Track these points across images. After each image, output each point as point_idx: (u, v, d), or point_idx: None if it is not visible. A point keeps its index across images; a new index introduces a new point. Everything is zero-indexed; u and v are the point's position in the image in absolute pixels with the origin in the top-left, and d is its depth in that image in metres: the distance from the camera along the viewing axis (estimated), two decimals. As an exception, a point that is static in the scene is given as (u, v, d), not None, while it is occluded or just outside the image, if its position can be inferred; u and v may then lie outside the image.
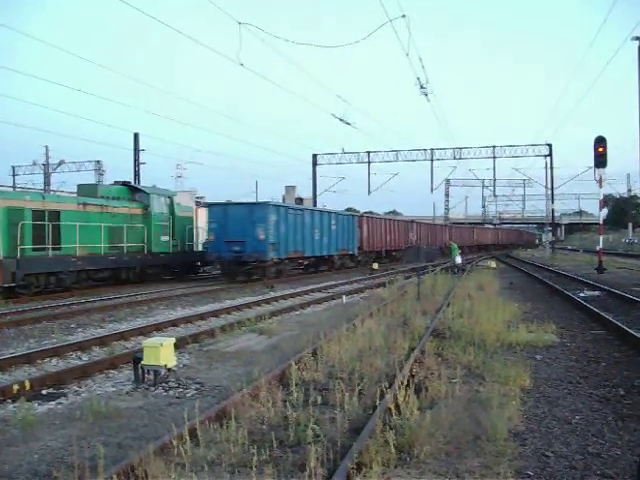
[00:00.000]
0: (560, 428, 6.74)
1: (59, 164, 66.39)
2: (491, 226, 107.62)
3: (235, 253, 28.78)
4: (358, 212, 52.49)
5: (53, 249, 22.80)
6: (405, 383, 7.65)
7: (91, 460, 5.41)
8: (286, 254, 31.70)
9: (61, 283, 22.97)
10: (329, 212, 39.71)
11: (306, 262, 35.77)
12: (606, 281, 25.91)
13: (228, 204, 33.73)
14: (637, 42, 26.38)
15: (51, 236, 22.57)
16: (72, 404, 8.14)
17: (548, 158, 57.52)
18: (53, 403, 8.23)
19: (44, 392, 8.76)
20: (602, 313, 15.00)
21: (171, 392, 8.72)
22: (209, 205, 33.33)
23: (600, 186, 33.10)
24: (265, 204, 31.63)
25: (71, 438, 6.24)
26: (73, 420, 7.30)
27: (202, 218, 40.16)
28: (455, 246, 39.24)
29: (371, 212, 66.09)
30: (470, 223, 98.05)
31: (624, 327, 12.65)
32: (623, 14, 32.64)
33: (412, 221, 59.77)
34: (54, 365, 10.72)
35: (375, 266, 38.16)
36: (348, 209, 67.80)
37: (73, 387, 9.14)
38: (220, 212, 30.29)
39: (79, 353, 11.69)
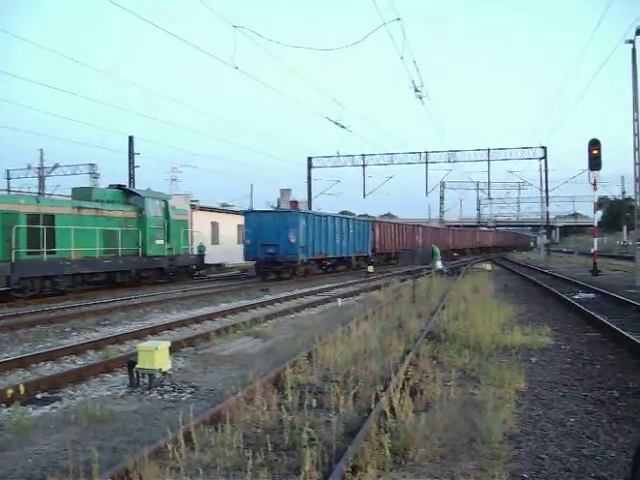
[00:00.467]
0: (555, 430, 6.75)
1: (54, 167, 66.22)
2: (487, 228, 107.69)
3: (269, 255, 32.70)
4: (353, 214, 53.94)
5: (48, 253, 22.78)
6: (400, 386, 7.66)
7: (86, 464, 5.39)
8: (313, 255, 35.64)
9: (56, 287, 22.96)
10: (348, 218, 44.55)
11: (329, 263, 39.32)
12: (601, 283, 25.96)
13: (263, 212, 38.08)
14: (631, 45, 26.45)
15: (46, 240, 22.54)
16: (67, 408, 8.11)
17: (543, 161, 57.69)
18: (48, 407, 8.20)
19: (39, 396, 8.73)
20: (597, 315, 15.02)
21: (166, 396, 8.71)
22: (245, 213, 37.80)
23: (595, 189, 33.21)
24: (296, 212, 36.20)
25: (66, 442, 6.21)
26: (68, 424, 7.27)
27: (197, 221, 40.24)
28: (437, 250, 39.25)
29: (389, 214, 66.28)
30: (465, 226, 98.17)
31: (618, 329, 12.68)
32: (618, 16, 32.77)
33: (418, 225, 63.32)
34: (49, 369, 10.68)
35: (370, 269, 38.24)
36: (343, 212, 68.06)
37: (68, 391, 9.10)
38: (256, 219, 34.34)
39: (74, 357, 11.65)
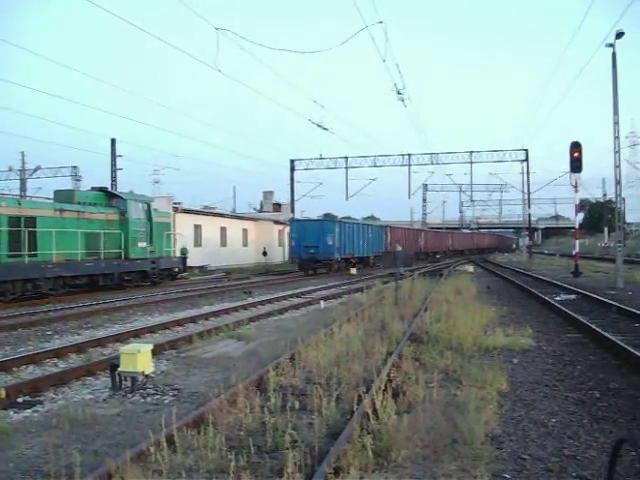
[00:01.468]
0: (536, 431, 6.79)
1: (35, 170, 65.88)
2: (468, 231, 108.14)
3: (311, 254, 41.07)
4: (336, 217, 56.95)
5: (29, 255, 22.60)
6: (383, 388, 7.66)
7: (67, 468, 5.36)
8: (344, 255, 43.91)
9: (38, 290, 22.78)
10: (368, 225, 53.89)
11: (354, 261, 45.41)
12: (582, 285, 26.16)
13: (306, 220, 48.90)
14: (611, 49, 26.65)
15: (27, 242, 22.37)
16: (48, 412, 8.07)
17: (525, 163, 58.10)
18: (29, 411, 8.15)
19: (20, 400, 8.67)
20: (578, 316, 15.14)
21: (148, 399, 8.68)
22: (291, 221, 47.96)
23: (576, 191, 33.43)
24: (332, 221, 46.01)
25: (47, 446, 6.18)
26: (49, 428, 7.23)
27: (180, 224, 40.14)
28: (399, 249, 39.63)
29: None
30: (447, 228, 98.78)
31: (599, 330, 12.79)
32: (599, 20, 33.02)
33: (421, 230, 72.91)
34: (30, 372, 10.61)
35: (353, 271, 38.34)
36: (326, 215, 68.68)
37: (49, 394, 9.05)
38: (300, 226, 43.78)
39: (56, 360, 11.60)
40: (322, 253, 40.75)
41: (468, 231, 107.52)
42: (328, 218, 51.94)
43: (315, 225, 43.00)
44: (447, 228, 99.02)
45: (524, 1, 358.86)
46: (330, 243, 40.92)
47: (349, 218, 64.92)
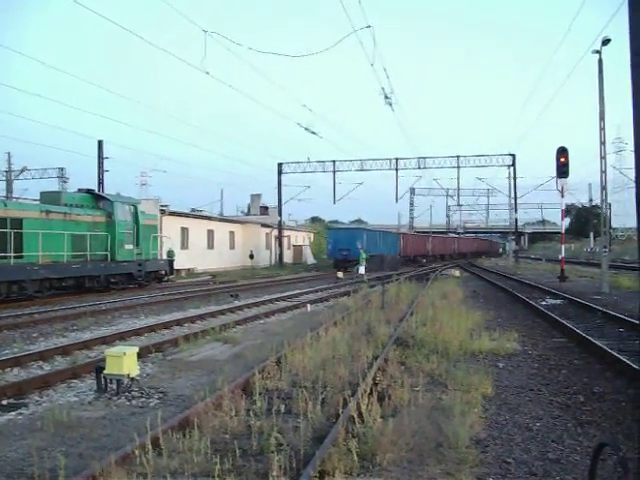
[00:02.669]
0: (521, 435, 6.83)
1: (21, 171, 65.44)
2: (455, 235, 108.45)
3: (344, 255, 50.81)
4: (324, 221, 62.34)
5: (15, 257, 22.49)
6: (368, 391, 7.70)
7: (52, 471, 5.35)
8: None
9: (23, 292, 22.64)
10: (387, 232, 65.18)
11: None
12: (568, 289, 26.29)
13: (340, 229, 63.91)
14: (597, 55, 26.84)
15: (13, 244, 22.26)
16: (33, 414, 8.03)
17: (511, 168, 58.38)
18: (13, 413, 8.10)
19: (4, 402, 8.63)
20: (563, 321, 15.24)
21: (134, 402, 8.66)
22: (328, 229, 63.40)
23: (562, 196, 33.61)
24: (361, 229, 60.41)
25: (31, 449, 6.15)
26: (34, 430, 7.20)
27: (167, 226, 40.04)
28: (363, 255, 40.23)
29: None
30: (434, 232, 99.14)
31: (584, 335, 12.87)
32: (586, 24, 33.20)
33: (429, 235, 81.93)
34: (15, 375, 10.55)
35: (340, 275, 38.45)
36: (313, 219, 70.03)
37: (34, 397, 9.00)
38: (335, 233, 57.02)
39: (41, 363, 11.53)
40: (352, 254, 48.29)
41: (455, 235, 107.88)
42: (358, 227, 65.83)
43: (347, 233, 55.87)
44: (434, 232, 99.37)
45: (513, 6, 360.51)
46: (359, 247, 48.24)
47: (336, 222, 68.18)
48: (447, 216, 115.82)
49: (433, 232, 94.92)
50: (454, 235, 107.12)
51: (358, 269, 37.92)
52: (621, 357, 10.21)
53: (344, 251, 51.09)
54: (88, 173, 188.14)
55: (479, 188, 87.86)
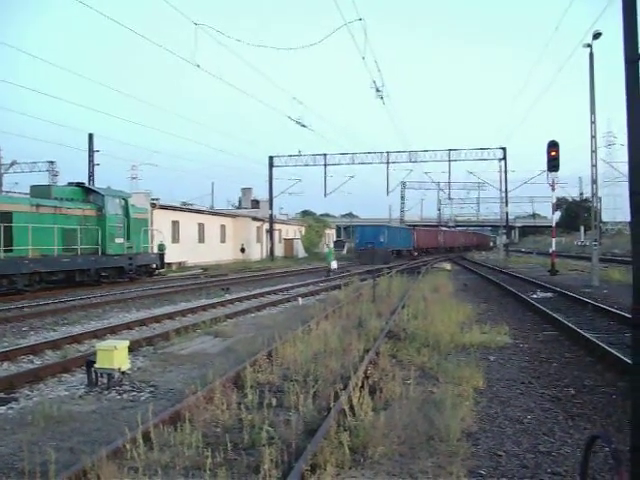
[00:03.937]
0: (512, 428, 6.84)
1: (11, 164, 65.06)
2: (447, 228, 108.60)
3: (369, 247, 53.97)
4: (314, 214, 62.11)
5: (5, 251, 22.41)
6: (360, 384, 7.69)
7: (42, 465, 5.31)
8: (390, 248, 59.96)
9: (13, 286, 22.55)
10: (403, 228, 77.38)
11: (395, 254, 61.59)
12: (558, 283, 26.36)
13: (366, 225, 71.53)
14: (588, 49, 26.88)
15: (3, 238, 22.17)
16: (23, 409, 7.99)
17: (502, 161, 58.46)
18: (4, 408, 8.06)
19: (-6, 397, 8.60)
20: (554, 314, 15.27)
21: (125, 395, 8.64)
22: (356, 226, 74.70)
23: (553, 189, 33.65)
24: (384, 225, 67.56)
25: (22, 443, 6.13)
26: (24, 425, 7.17)
27: (157, 220, 39.93)
28: (332, 250, 40.29)
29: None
30: (424, 225, 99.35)
31: (575, 328, 12.91)
32: (578, 18, 33.26)
33: (440, 230, 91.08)
34: (5, 369, 10.50)
35: (334, 265, 38.45)
36: (305, 212, 70.08)
37: (25, 391, 8.97)
38: (361, 228, 64.77)
39: (31, 357, 11.49)
40: (376, 246, 54.66)
41: (446, 229, 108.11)
42: (381, 224, 72.02)
43: (372, 228, 62.48)
44: (424, 225, 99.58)
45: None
46: (382, 240, 57.23)
47: (327, 215, 69.03)
48: (438, 209, 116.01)
49: (424, 225, 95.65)
50: (454, 229, 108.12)
51: (331, 264, 37.60)
52: (612, 350, 10.24)
53: (369, 243, 56.06)
54: (78, 167, 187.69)
55: (470, 182, 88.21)
